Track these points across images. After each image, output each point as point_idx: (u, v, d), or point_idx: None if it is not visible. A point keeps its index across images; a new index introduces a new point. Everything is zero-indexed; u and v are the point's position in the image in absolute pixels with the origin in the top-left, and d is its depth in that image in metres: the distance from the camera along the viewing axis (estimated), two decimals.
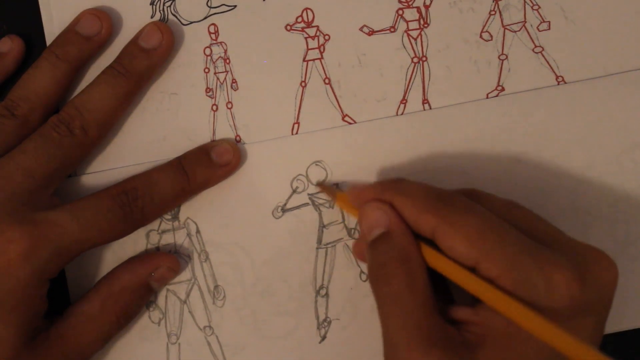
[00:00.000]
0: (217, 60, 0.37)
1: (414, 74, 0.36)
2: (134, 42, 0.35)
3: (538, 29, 0.36)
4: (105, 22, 0.35)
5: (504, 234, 0.27)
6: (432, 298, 0.28)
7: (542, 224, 0.29)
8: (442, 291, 0.31)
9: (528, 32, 0.36)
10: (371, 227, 0.29)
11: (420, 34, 0.36)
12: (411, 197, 0.29)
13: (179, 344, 0.36)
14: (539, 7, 0.36)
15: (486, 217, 0.28)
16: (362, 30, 0.36)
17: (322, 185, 0.36)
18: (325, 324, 0.36)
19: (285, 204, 0.36)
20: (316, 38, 0.36)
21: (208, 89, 0.37)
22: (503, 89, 0.36)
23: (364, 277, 0.36)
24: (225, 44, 0.37)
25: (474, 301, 0.28)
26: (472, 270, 0.27)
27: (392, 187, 0.30)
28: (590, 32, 0.36)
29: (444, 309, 0.28)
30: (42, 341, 0.31)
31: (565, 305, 0.26)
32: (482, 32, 0.36)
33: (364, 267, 0.36)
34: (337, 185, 0.36)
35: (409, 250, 0.28)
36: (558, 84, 0.36)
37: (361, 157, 0.36)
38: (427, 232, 0.28)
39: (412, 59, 0.36)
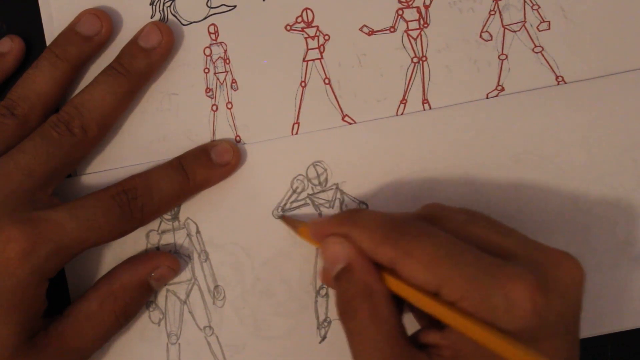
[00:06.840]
0: (217, 60, 0.37)
1: (414, 74, 0.36)
2: (133, 42, 0.35)
3: (538, 29, 0.36)
4: (105, 22, 0.35)
5: (461, 255, 0.27)
6: (399, 326, 0.28)
7: (500, 236, 0.29)
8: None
9: (528, 32, 0.36)
10: (332, 262, 0.29)
11: (420, 34, 0.36)
12: (366, 229, 0.29)
13: (179, 344, 0.36)
14: (539, 7, 0.36)
15: (442, 241, 0.27)
16: (362, 30, 0.36)
17: (285, 218, 0.36)
18: (325, 324, 0.36)
19: (285, 204, 0.36)
20: (316, 38, 0.36)
21: (208, 89, 0.37)
22: (503, 89, 0.36)
23: None
24: (225, 44, 0.37)
25: (442, 325, 0.28)
26: (435, 295, 0.27)
27: (347, 220, 0.30)
28: (590, 32, 0.36)
29: (417, 334, 0.29)
30: (41, 340, 0.31)
31: (529, 316, 0.26)
32: (482, 32, 0.36)
33: None
34: (337, 185, 0.36)
35: (371, 283, 0.28)
36: (558, 84, 0.36)
37: (361, 157, 0.36)
38: (386, 262, 0.28)
39: (412, 59, 0.36)
